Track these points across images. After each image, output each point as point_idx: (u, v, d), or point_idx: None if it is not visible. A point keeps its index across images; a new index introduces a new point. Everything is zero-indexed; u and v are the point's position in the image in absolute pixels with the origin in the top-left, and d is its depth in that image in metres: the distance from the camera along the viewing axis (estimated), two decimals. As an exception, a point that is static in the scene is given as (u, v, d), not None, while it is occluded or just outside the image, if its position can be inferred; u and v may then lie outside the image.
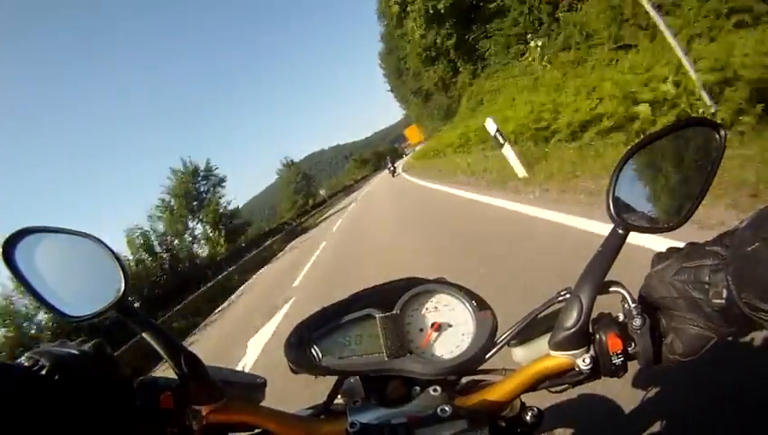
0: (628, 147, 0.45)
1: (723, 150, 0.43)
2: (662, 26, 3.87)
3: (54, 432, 0.40)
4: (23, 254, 0.47)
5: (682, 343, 0.42)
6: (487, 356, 0.50)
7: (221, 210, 24.84)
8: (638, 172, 0.45)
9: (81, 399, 0.42)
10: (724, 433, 1.19)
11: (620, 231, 0.44)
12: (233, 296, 11.96)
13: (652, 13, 3.92)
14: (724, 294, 0.37)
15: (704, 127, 0.44)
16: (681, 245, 0.44)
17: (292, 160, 66.15)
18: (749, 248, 0.34)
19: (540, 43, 12.49)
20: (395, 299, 0.52)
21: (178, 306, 11.78)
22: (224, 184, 26.22)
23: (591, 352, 0.45)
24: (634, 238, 0.45)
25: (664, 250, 0.45)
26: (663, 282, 0.42)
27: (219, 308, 11.06)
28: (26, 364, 0.42)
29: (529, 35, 13.69)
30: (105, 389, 0.44)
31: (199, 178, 25.48)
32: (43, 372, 0.41)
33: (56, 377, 0.41)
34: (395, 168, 27.61)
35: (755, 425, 1.15)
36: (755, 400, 1.21)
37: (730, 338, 0.40)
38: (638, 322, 0.43)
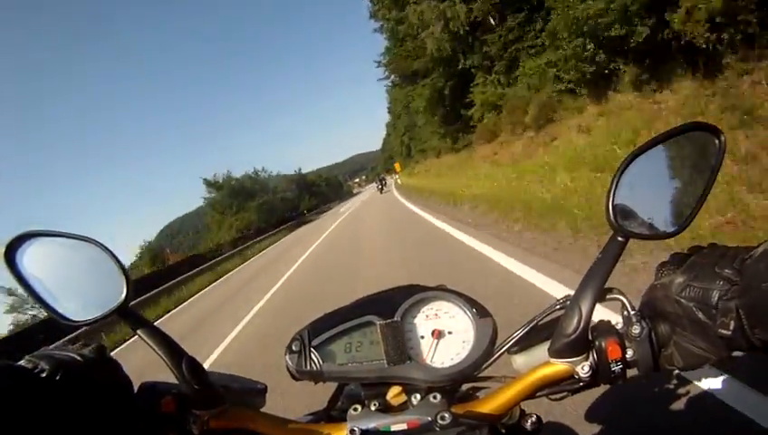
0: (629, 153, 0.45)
1: (722, 155, 0.42)
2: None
3: None
4: (25, 258, 0.47)
5: (681, 358, 0.42)
6: (487, 363, 0.50)
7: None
8: (637, 178, 0.44)
9: (82, 402, 0.42)
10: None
11: (620, 238, 0.44)
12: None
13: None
14: (732, 325, 0.36)
15: (703, 132, 0.44)
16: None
17: None
18: (764, 285, 0.34)
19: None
20: (395, 306, 0.52)
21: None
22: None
23: (591, 359, 0.45)
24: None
25: (667, 258, 0.44)
26: (668, 297, 0.42)
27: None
28: (27, 367, 0.41)
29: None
30: (106, 393, 0.44)
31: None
32: (44, 375, 0.41)
33: (56, 380, 0.41)
34: (383, 184, 29.55)
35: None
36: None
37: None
38: (637, 329, 0.43)
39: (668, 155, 0.45)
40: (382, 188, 28.94)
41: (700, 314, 0.39)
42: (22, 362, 0.42)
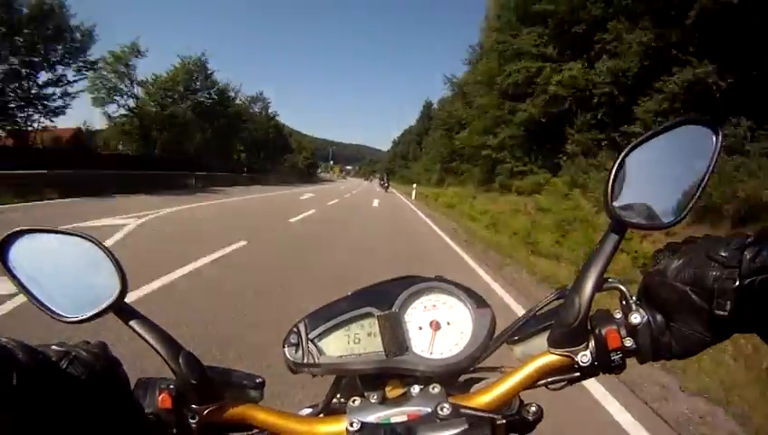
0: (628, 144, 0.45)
1: (719, 149, 0.43)
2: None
3: (54, 429, 0.39)
4: (18, 255, 0.46)
5: (679, 344, 0.42)
6: (486, 354, 0.50)
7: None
8: (634, 169, 0.45)
9: (83, 399, 0.41)
10: None
11: (618, 228, 0.44)
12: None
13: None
14: (728, 306, 0.37)
15: (700, 125, 0.44)
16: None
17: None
18: (762, 266, 0.35)
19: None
20: (394, 297, 0.52)
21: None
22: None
23: (590, 349, 0.45)
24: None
25: (663, 247, 0.45)
26: (664, 283, 0.42)
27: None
28: (39, 349, 0.40)
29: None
30: (106, 389, 0.44)
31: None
32: (53, 361, 0.40)
33: (64, 368, 0.40)
34: (388, 184, 32.24)
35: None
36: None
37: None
38: (636, 319, 0.43)
39: (666, 147, 0.46)
40: (388, 187, 32.06)
41: (695, 298, 0.39)
42: None
